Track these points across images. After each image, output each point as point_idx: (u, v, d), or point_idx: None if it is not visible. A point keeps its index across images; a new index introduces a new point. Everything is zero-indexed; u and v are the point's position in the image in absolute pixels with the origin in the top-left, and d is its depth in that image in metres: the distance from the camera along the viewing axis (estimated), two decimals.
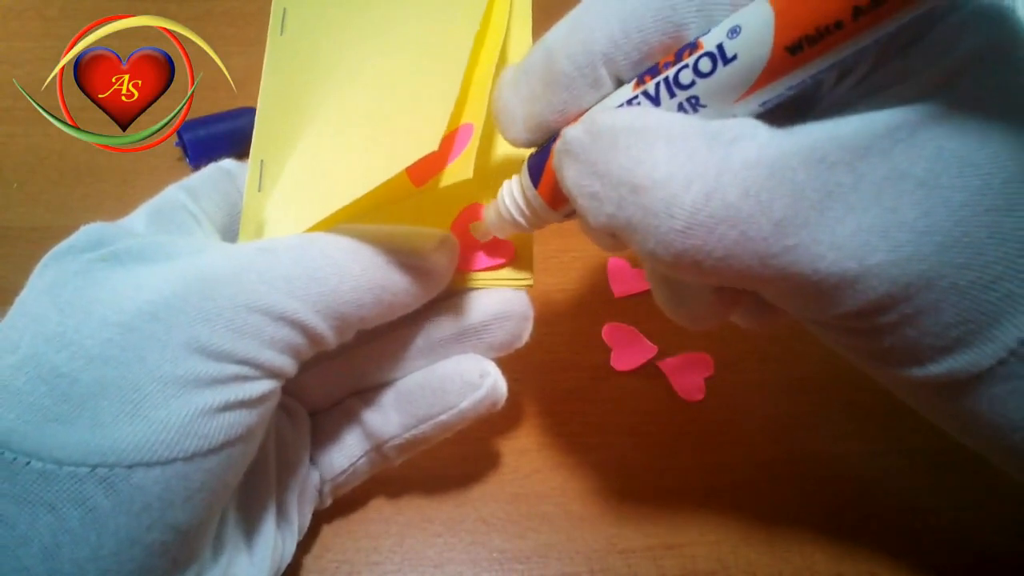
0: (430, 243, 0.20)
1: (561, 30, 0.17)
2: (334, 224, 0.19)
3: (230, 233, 0.22)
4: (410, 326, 0.22)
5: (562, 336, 0.31)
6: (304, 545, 0.26)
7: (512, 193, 0.19)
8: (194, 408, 0.16)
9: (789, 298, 0.16)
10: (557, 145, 0.17)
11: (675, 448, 0.28)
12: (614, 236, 0.17)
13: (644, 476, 0.27)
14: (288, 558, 0.22)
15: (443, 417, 0.22)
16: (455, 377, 0.22)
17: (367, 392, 0.23)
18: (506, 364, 0.30)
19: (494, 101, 0.19)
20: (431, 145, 0.17)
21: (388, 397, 0.23)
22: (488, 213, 0.21)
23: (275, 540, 0.21)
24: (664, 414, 0.29)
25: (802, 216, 0.14)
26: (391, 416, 0.22)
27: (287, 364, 0.18)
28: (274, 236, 0.21)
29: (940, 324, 0.15)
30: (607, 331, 0.31)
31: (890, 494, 0.27)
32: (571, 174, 0.17)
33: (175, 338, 0.16)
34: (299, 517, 0.23)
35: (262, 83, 0.23)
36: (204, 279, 0.16)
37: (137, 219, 0.20)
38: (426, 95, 0.20)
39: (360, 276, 0.18)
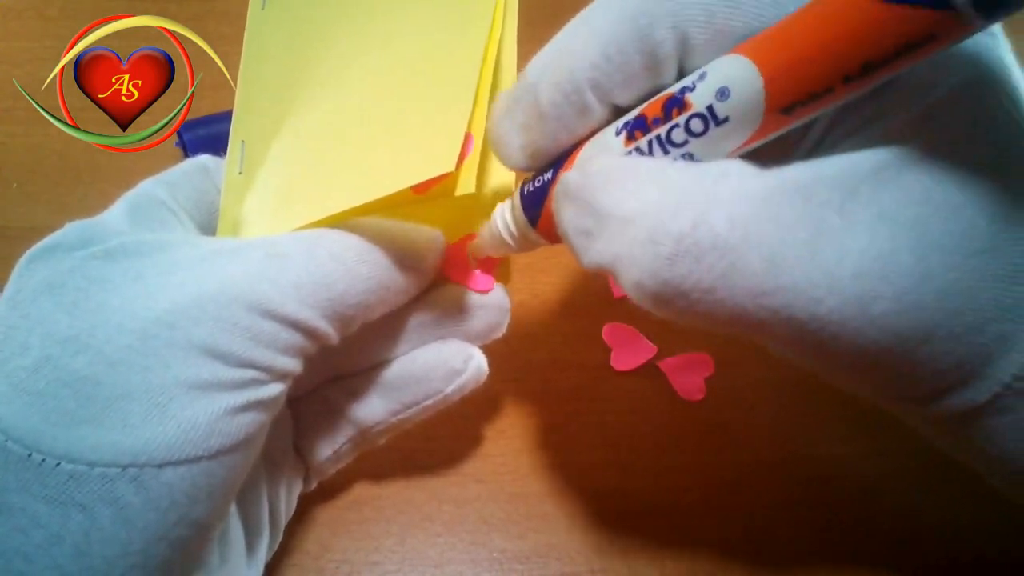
0: (427, 242, 0.20)
1: (546, 59, 0.17)
2: (326, 224, 0.19)
3: (208, 229, 0.22)
4: (391, 314, 0.22)
5: (562, 336, 0.31)
6: (304, 545, 0.26)
7: (504, 220, 0.20)
8: (219, 408, 0.16)
9: (788, 346, 0.16)
10: (556, 190, 0.17)
11: (675, 448, 0.28)
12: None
13: (644, 476, 0.27)
14: (275, 547, 0.23)
15: (429, 402, 0.23)
16: (439, 364, 0.22)
17: (346, 379, 0.23)
18: (506, 364, 0.30)
19: (489, 129, 0.19)
20: (447, 165, 0.17)
21: (370, 385, 0.23)
22: (482, 233, 0.21)
23: (266, 534, 0.22)
24: (664, 414, 0.29)
25: (793, 254, 0.14)
26: (376, 405, 0.23)
27: (296, 366, 0.18)
28: (257, 228, 0.21)
29: (938, 372, 0.15)
30: (607, 331, 0.31)
31: (891, 494, 0.27)
32: (567, 215, 0.17)
33: (195, 345, 0.16)
34: (286, 507, 0.23)
35: (242, 60, 0.23)
36: (218, 288, 0.17)
37: (117, 215, 0.20)
38: (436, 104, 0.20)
39: (368, 279, 0.18)
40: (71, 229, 0.18)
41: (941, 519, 0.26)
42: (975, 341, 0.15)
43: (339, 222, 0.19)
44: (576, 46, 0.16)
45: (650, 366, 0.30)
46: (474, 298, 0.22)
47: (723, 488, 0.27)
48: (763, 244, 0.14)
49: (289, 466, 0.23)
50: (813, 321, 0.14)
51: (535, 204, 0.19)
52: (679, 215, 0.15)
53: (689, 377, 0.29)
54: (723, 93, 0.15)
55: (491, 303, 0.23)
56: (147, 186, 0.21)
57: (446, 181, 0.19)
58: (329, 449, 0.23)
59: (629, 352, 0.30)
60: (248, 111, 0.22)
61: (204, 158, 0.22)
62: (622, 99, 0.17)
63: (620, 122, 0.17)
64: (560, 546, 0.26)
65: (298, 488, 0.24)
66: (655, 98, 0.16)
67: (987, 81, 0.15)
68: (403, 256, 0.19)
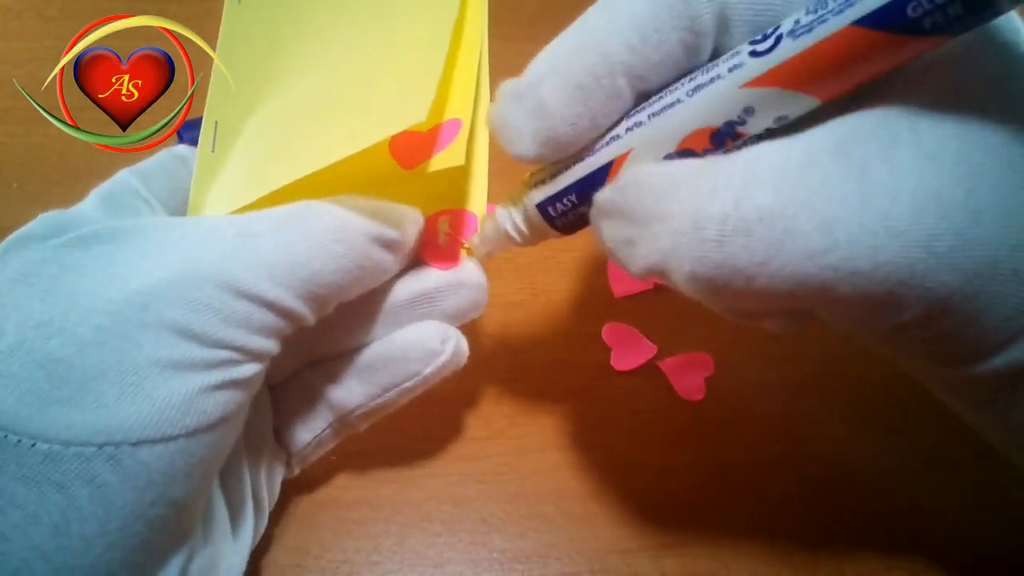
0: (404, 219, 0.20)
1: (572, 40, 0.17)
2: (294, 196, 0.19)
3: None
4: (368, 296, 0.22)
5: (562, 336, 0.31)
6: (305, 545, 0.26)
7: (515, 224, 0.20)
8: (193, 387, 0.16)
9: (857, 307, 0.15)
10: (592, 212, 0.18)
11: (675, 448, 0.28)
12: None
13: (644, 476, 0.27)
14: (260, 532, 0.23)
15: (407, 384, 0.22)
16: (416, 345, 0.22)
17: (324, 363, 0.23)
18: (506, 364, 0.29)
19: (493, 115, 0.18)
20: (419, 115, 0.17)
21: (348, 369, 0.23)
22: (487, 233, 0.21)
23: (251, 516, 0.22)
24: (664, 414, 0.29)
25: (844, 207, 0.14)
26: (354, 388, 0.23)
27: (272, 347, 0.18)
28: (226, 201, 0.20)
29: (1004, 316, 0.15)
30: (607, 331, 0.31)
31: (891, 494, 0.27)
32: (608, 231, 0.17)
33: (167, 326, 0.16)
34: (268, 493, 0.23)
35: (217, 48, 0.23)
36: (189, 269, 0.17)
37: (90, 205, 0.20)
38: (408, 71, 0.20)
39: (342, 257, 0.18)
40: (43, 220, 0.18)
41: (942, 518, 0.26)
42: None
43: (309, 195, 0.19)
44: (608, 28, 0.16)
45: (650, 366, 0.30)
46: (450, 277, 0.22)
47: (723, 488, 0.27)
48: (811, 204, 0.14)
49: (269, 451, 0.23)
50: (878, 269, 0.14)
51: (551, 213, 0.19)
52: (718, 197, 0.15)
53: (689, 377, 0.29)
54: (782, 119, 0.15)
55: (468, 281, 0.22)
56: (121, 176, 0.21)
57: (434, 157, 0.19)
58: (309, 434, 0.23)
59: (629, 352, 0.30)
60: (221, 95, 0.22)
61: (180, 147, 0.23)
62: (653, 83, 0.16)
63: (664, 158, 0.17)
64: (560, 546, 0.26)
65: (280, 474, 0.24)
66: (693, 132, 0.16)
67: (1000, 30, 0.15)
68: (379, 234, 0.19)
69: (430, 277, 0.22)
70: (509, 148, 0.18)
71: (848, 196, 0.14)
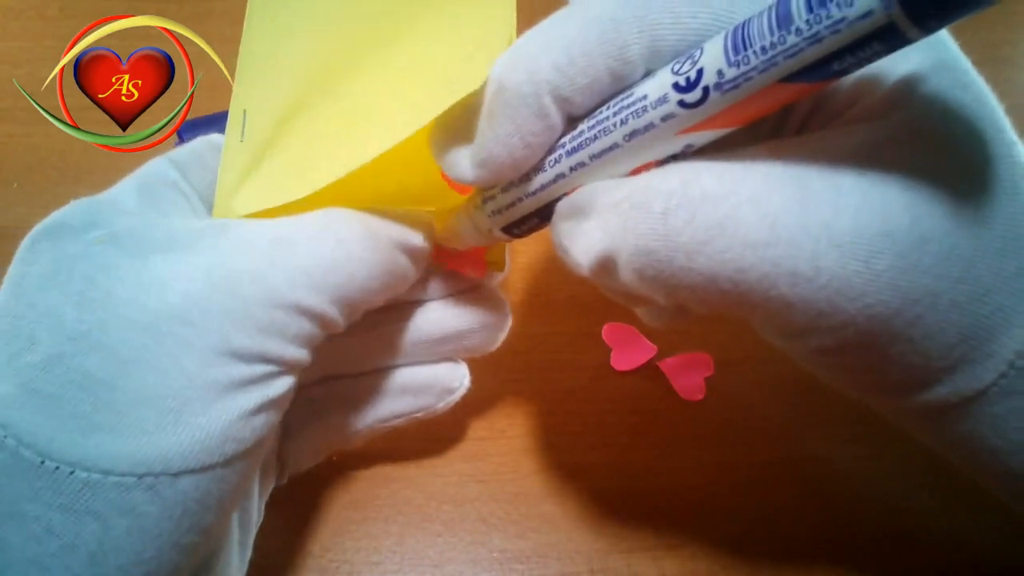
0: (424, 225, 0.20)
1: (505, 61, 0.17)
2: (338, 198, 0.19)
3: None
4: (393, 324, 0.22)
5: (562, 336, 0.31)
6: (304, 545, 0.26)
7: (476, 227, 0.20)
8: (233, 413, 0.16)
9: (790, 312, 0.15)
10: (553, 220, 0.18)
11: (675, 448, 0.28)
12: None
13: (644, 476, 0.27)
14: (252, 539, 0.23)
15: (419, 415, 0.24)
16: (435, 384, 0.23)
17: (334, 381, 0.23)
18: (506, 364, 0.29)
19: (433, 137, 0.18)
20: (475, 82, 0.17)
21: (362, 392, 0.23)
22: (455, 227, 0.21)
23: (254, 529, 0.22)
24: (664, 414, 0.29)
25: (785, 207, 0.14)
26: (365, 411, 0.23)
27: (306, 356, 0.18)
28: (266, 194, 0.20)
29: (945, 345, 0.15)
30: (607, 331, 0.31)
31: (890, 495, 0.27)
32: (563, 228, 0.18)
33: (208, 342, 0.16)
34: (264, 501, 0.23)
35: (244, 33, 0.22)
36: (227, 277, 0.16)
37: (126, 194, 0.19)
38: (463, 63, 0.19)
39: (373, 264, 0.18)
40: (77, 208, 0.18)
41: (941, 520, 0.26)
42: (977, 312, 0.15)
43: (345, 202, 0.19)
44: (537, 49, 0.16)
45: (650, 366, 0.30)
46: (483, 319, 0.23)
47: (723, 488, 0.27)
48: (754, 198, 0.14)
49: (267, 466, 0.23)
50: (818, 275, 0.14)
51: (523, 232, 0.20)
52: (668, 178, 0.15)
53: (689, 377, 0.29)
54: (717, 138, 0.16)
55: (494, 321, 0.23)
56: (158, 164, 0.20)
57: None
58: (308, 448, 0.23)
59: (629, 352, 0.30)
60: (251, 82, 0.22)
61: (217, 137, 0.22)
62: (580, 106, 0.16)
63: None
64: (560, 546, 0.26)
65: (272, 484, 0.24)
66: (637, 167, 0.16)
67: (953, 60, 0.15)
68: (404, 240, 0.19)
69: (463, 316, 0.23)
70: (450, 172, 0.18)
71: (789, 200, 0.14)
